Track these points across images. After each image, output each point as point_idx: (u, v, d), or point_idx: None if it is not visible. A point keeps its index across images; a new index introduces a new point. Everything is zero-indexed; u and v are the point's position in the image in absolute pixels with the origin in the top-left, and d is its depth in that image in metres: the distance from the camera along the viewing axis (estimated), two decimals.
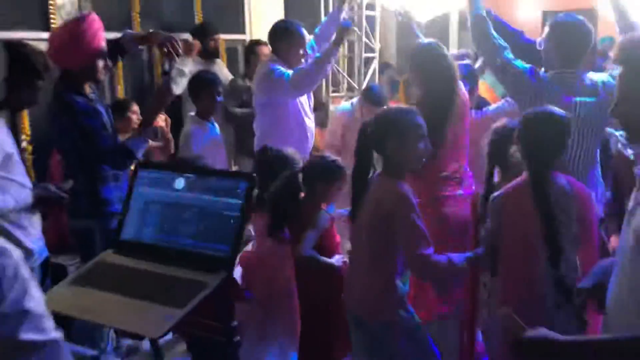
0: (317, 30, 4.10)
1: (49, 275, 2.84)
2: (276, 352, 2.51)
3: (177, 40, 2.92)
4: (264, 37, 6.33)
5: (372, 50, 5.22)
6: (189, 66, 3.65)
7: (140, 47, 3.32)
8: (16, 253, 1.01)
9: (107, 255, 1.89)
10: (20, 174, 2.57)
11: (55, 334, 1.02)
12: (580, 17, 2.93)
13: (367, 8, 5.04)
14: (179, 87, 2.97)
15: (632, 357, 1.27)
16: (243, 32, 6.42)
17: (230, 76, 5.27)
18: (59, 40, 2.77)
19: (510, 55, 2.92)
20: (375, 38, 5.22)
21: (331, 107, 5.08)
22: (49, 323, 1.02)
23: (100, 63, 2.82)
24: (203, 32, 5.02)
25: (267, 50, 4.95)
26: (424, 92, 2.96)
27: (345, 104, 4.46)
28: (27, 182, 2.61)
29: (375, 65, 5.23)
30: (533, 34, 9.60)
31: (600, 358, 1.32)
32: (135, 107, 4.36)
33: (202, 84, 3.62)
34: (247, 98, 4.66)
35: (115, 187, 2.91)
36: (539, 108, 2.31)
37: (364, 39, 5.08)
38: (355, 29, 5.02)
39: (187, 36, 5.01)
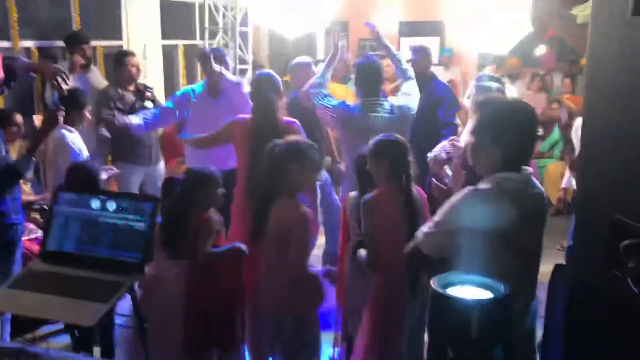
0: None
1: None
2: None
3: (65, 73, 3.20)
4: (141, 43, 6.70)
5: (246, 62, 5.76)
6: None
7: (31, 74, 3.47)
8: None
9: (35, 264, 2.31)
10: None
11: None
12: (375, 59, 4.06)
13: (240, 24, 5.55)
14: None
15: None
16: (120, 38, 6.67)
17: (105, 83, 5.52)
18: None
19: (327, 100, 3.88)
20: (248, 51, 5.76)
21: None
22: None
23: None
24: (75, 41, 5.26)
25: (135, 60, 5.29)
26: None
27: None
28: None
29: (249, 74, 5.78)
30: (391, 41, 10.63)
31: None
32: (19, 118, 4.59)
33: (71, 101, 3.88)
34: (119, 105, 4.94)
35: (10, 200, 3.13)
36: (386, 135, 2.99)
37: (238, 51, 5.59)
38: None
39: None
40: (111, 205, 2.30)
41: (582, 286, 2.15)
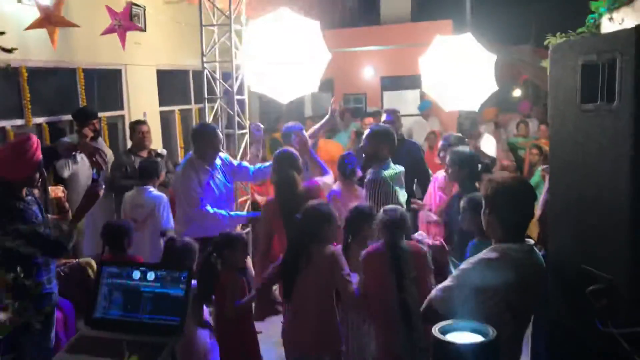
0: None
1: None
2: None
3: (104, 152, 3.61)
4: (140, 111, 7.14)
5: (244, 127, 6.18)
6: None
7: (73, 153, 3.87)
8: None
9: (85, 331, 2.64)
10: None
11: None
12: (381, 127, 4.52)
13: (237, 93, 5.99)
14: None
15: None
16: (122, 108, 7.10)
17: (110, 151, 5.95)
18: (6, 157, 3.28)
19: None
20: (245, 117, 6.19)
21: None
22: None
23: (37, 174, 3.38)
24: (86, 116, 5.67)
25: (145, 127, 5.79)
26: None
27: None
28: None
29: (246, 139, 6.19)
30: (374, 94, 11.10)
31: None
32: None
33: None
34: (130, 170, 5.45)
35: (44, 271, 3.41)
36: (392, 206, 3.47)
37: (237, 118, 6.01)
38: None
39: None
40: (150, 276, 2.65)
41: (559, 326, 2.52)
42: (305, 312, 3.31)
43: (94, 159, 3.54)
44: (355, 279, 3.29)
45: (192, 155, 4.55)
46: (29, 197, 3.46)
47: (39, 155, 3.38)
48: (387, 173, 4.18)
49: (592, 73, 2.19)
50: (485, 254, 2.43)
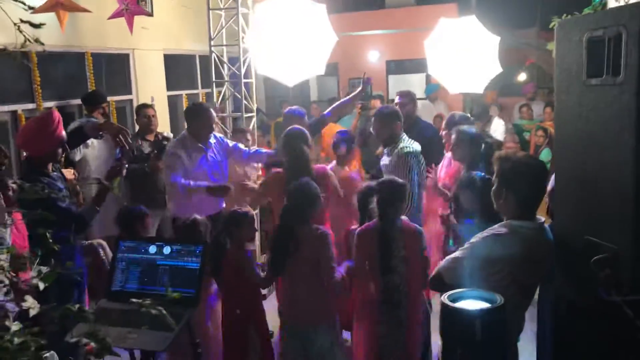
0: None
1: None
2: None
3: (128, 131, 3.64)
4: (148, 95, 7.20)
5: (251, 111, 6.24)
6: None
7: (100, 132, 3.90)
8: None
9: (103, 303, 2.72)
10: None
11: None
12: (388, 107, 4.65)
13: (244, 77, 6.05)
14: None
15: None
16: (130, 92, 7.17)
17: None
18: (30, 132, 3.39)
19: None
20: (252, 100, 6.24)
21: None
22: None
23: (60, 149, 3.47)
24: (96, 100, 5.72)
25: (151, 111, 5.82)
26: None
27: None
28: None
29: (254, 122, 6.25)
30: (379, 78, 11.10)
31: None
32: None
33: None
34: (137, 154, 5.49)
35: (70, 247, 3.38)
36: (388, 178, 3.50)
37: (244, 101, 6.08)
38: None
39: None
40: (166, 250, 2.73)
41: (564, 297, 2.58)
42: (297, 288, 3.41)
43: (117, 138, 3.59)
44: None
45: (186, 134, 4.58)
46: (55, 173, 3.53)
47: (62, 130, 3.46)
48: (403, 151, 4.26)
49: (597, 48, 2.24)
50: (495, 229, 2.51)
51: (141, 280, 2.73)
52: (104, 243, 4.53)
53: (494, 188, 2.58)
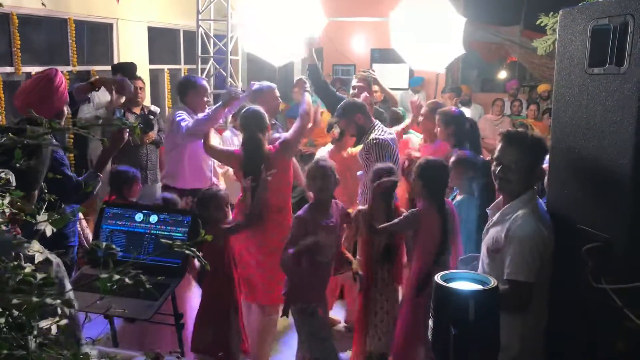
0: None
1: None
2: None
3: (128, 82, 3.48)
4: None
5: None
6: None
7: (87, 95, 3.75)
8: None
9: (86, 269, 2.65)
10: None
11: None
12: (344, 104, 4.42)
13: (231, 54, 5.96)
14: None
15: None
16: (111, 63, 6.99)
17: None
18: (34, 92, 3.12)
19: None
20: (239, 79, 6.17)
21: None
22: None
23: (66, 110, 3.29)
24: (130, 73, 5.55)
25: (140, 83, 5.66)
26: None
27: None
28: None
29: None
30: (364, 66, 11.05)
31: None
32: None
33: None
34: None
35: (71, 224, 3.32)
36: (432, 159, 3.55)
37: (229, 79, 5.99)
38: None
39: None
40: (153, 218, 2.66)
41: (558, 284, 2.60)
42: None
43: (115, 90, 3.45)
44: None
45: (182, 106, 4.50)
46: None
47: (66, 90, 3.27)
48: (371, 142, 4.17)
49: (602, 37, 2.24)
50: (527, 212, 2.52)
51: (126, 249, 2.66)
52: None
53: (495, 167, 2.62)
